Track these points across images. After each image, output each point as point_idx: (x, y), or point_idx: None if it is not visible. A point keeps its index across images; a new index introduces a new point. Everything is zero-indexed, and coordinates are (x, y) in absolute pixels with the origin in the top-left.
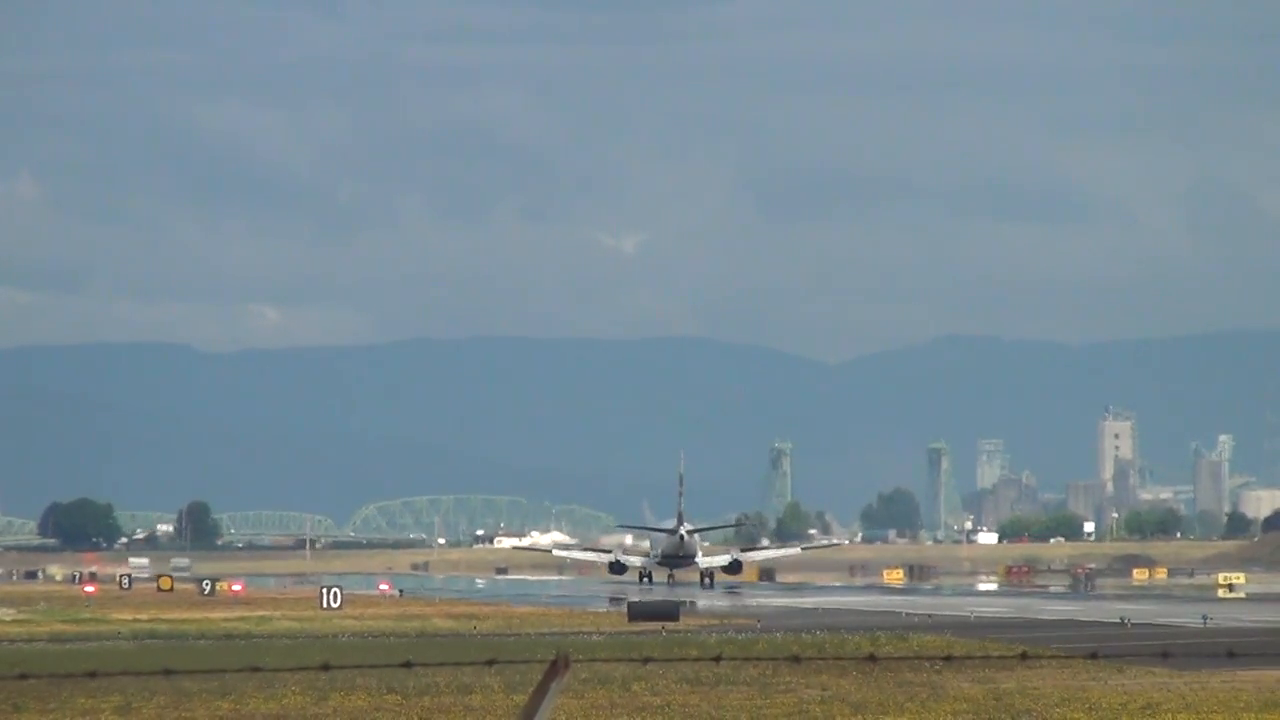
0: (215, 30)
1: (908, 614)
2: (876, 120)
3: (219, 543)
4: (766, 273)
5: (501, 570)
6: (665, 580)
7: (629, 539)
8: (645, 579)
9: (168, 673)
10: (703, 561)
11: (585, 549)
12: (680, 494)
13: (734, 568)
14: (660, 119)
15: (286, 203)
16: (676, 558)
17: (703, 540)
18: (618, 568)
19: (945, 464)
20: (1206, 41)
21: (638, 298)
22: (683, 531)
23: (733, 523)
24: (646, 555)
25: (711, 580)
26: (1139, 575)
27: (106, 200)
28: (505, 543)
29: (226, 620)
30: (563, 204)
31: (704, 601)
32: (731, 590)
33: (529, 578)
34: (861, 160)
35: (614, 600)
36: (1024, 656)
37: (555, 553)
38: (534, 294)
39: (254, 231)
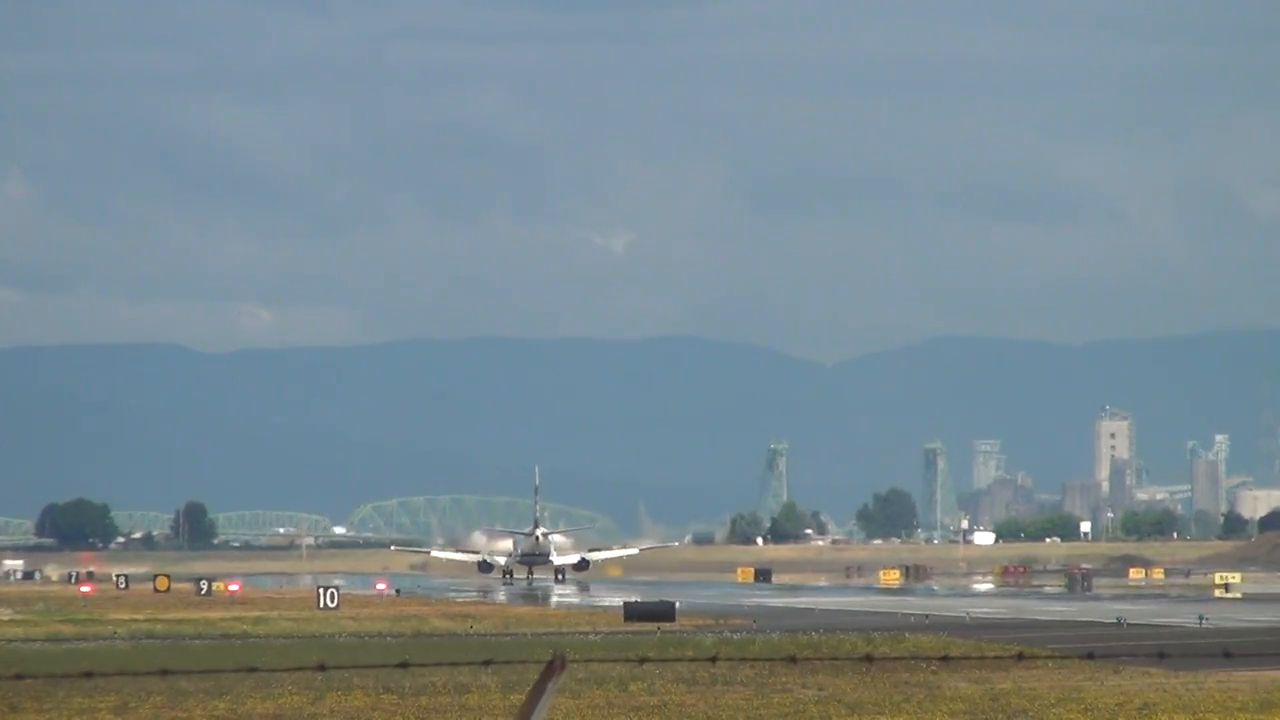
0: (205, 30)
1: (904, 614)
2: (868, 120)
3: (215, 542)
4: (759, 273)
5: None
6: (525, 576)
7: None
8: (507, 576)
9: (164, 673)
10: (556, 560)
11: (458, 550)
12: (536, 502)
13: (582, 566)
14: (650, 118)
15: (278, 202)
16: (533, 556)
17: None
18: (485, 566)
19: (941, 464)
20: (1197, 41)
21: (629, 298)
22: (538, 534)
23: (585, 527)
24: (509, 555)
25: (563, 576)
26: (1135, 575)
27: (97, 200)
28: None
29: (223, 620)
30: (553, 204)
31: (556, 597)
32: (580, 585)
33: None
34: (853, 160)
35: (481, 591)
36: (1020, 657)
37: (433, 554)
38: (526, 294)
39: (246, 231)
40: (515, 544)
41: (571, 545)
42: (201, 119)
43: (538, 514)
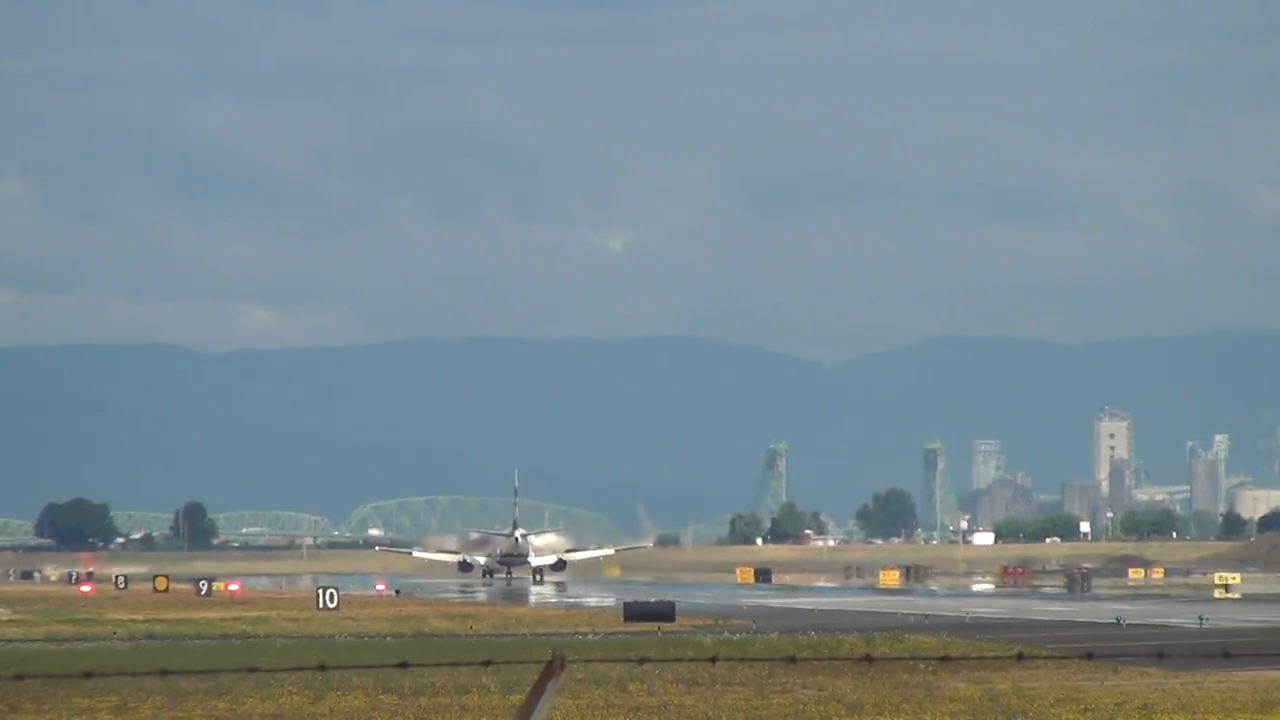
0: (203, 30)
1: (904, 615)
2: (866, 120)
3: (215, 543)
4: (757, 273)
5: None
6: (504, 576)
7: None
8: (487, 575)
9: (164, 673)
10: (534, 560)
11: (440, 551)
12: (515, 504)
13: (559, 566)
14: (647, 118)
15: (276, 203)
16: (512, 557)
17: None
18: (465, 566)
19: (941, 464)
20: (1197, 41)
21: (627, 298)
22: (517, 535)
23: (564, 527)
24: (489, 556)
25: (541, 577)
26: (1134, 575)
27: (97, 200)
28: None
29: (223, 620)
30: (550, 204)
31: (534, 597)
32: (557, 584)
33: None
34: (851, 160)
35: (463, 589)
36: (1020, 657)
37: (415, 554)
38: (526, 294)
39: (246, 231)
40: (495, 545)
41: (567, 545)
42: (201, 119)
43: (516, 515)
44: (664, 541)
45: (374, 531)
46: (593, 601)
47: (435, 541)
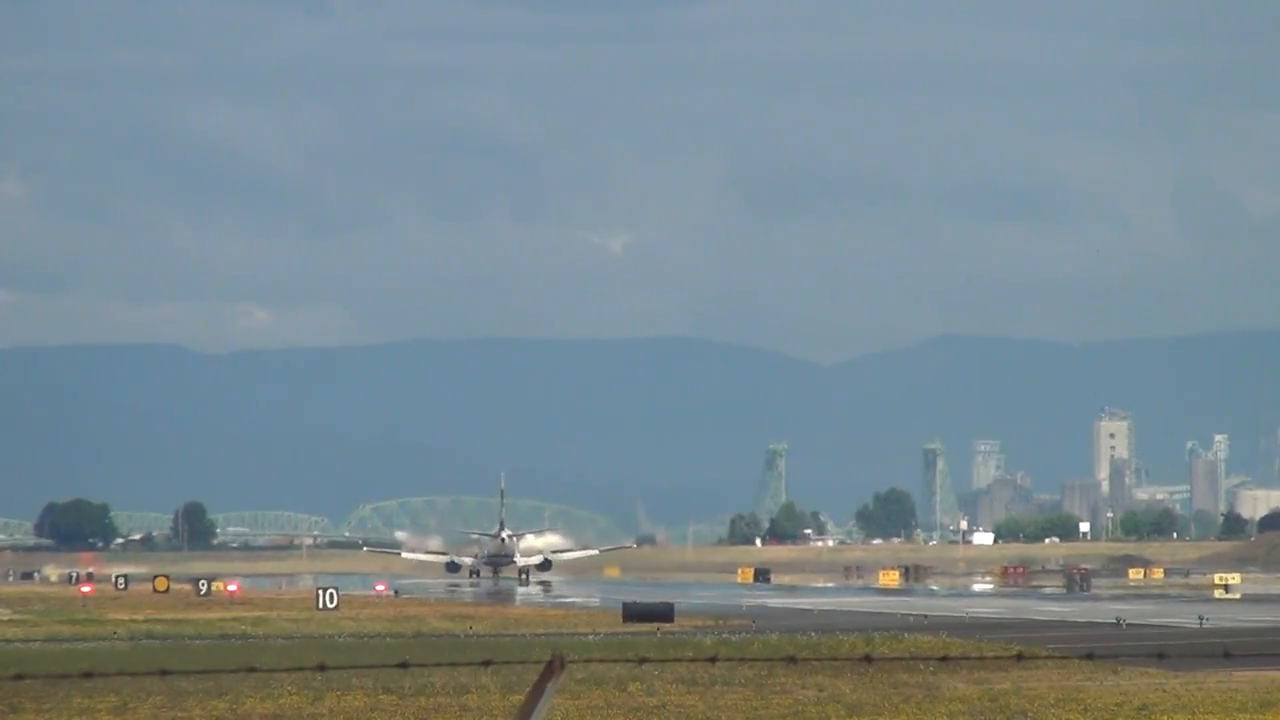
0: (203, 30)
1: (903, 615)
2: (866, 120)
3: (214, 543)
4: (756, 273)
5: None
6: (490, 576)
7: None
8: (474, 575)
9: (164, 673)
10: (520, 561)
11: (428, 551)
12: (501, 505)
13: (545, 566)
14: (647, 119)
15: (275, 203)
16: (499, 557)
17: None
18: (453, 566)
19: (941, 464)
20: (1198, 41)
21: (627, 298)
22: (504, 536)
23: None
24: (475, 556)
25: (527, 577)
26: (1134, 576)
27: (95, 200)
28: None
29: (223, 620)
30: (550, 204)
31: (522, 592)
32: (543, 584)
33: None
34: (853, 160)
35: (450, 589)
36: (1019, 657)
37: (404, 555)
38: (525, 294)
39: (244, 231)
40: (481, 546)
41: (565, 546)
42: (201, 119)
43: (502, 516)
44: (644, 541)
45: (400, 534)
46: (578, 601)
47: (420, 541)
